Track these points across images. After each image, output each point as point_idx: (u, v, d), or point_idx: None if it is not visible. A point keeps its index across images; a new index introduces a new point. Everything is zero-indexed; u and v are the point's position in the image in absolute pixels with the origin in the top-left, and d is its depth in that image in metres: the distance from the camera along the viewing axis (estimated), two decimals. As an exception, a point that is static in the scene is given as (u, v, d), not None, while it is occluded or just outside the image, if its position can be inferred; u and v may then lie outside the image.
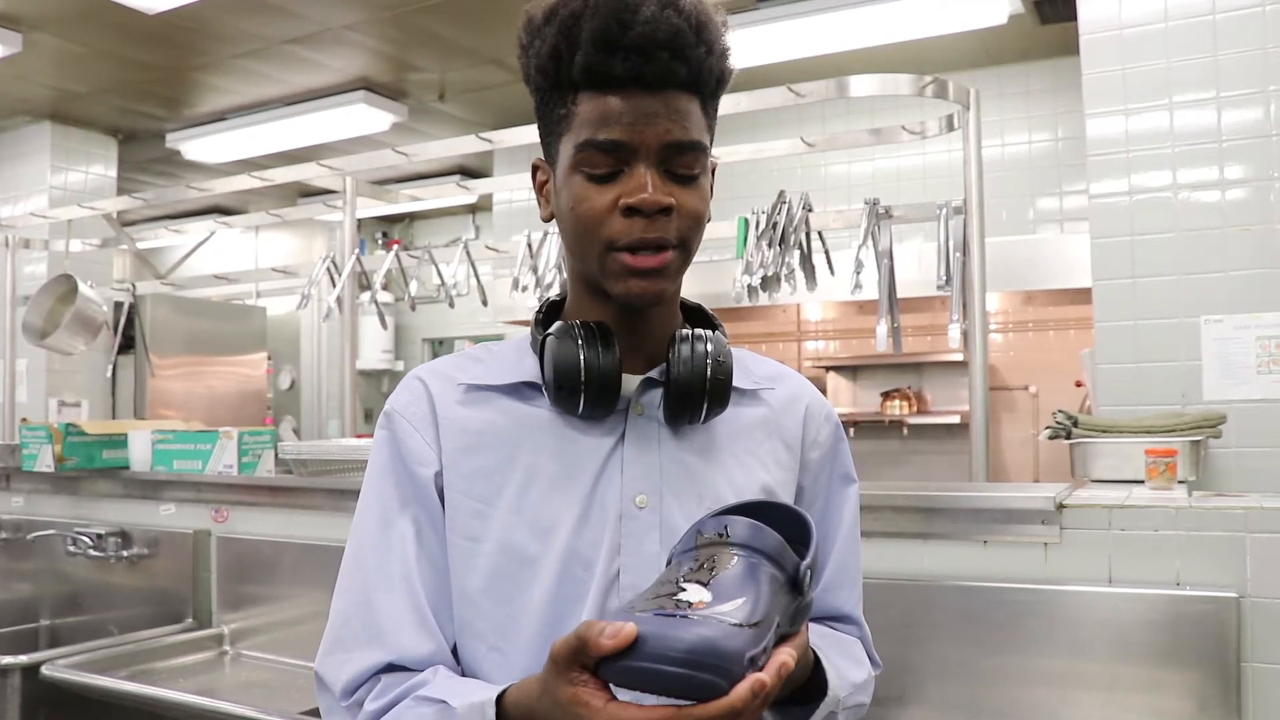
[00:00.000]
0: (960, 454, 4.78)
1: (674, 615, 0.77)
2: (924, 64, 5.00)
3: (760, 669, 0.78)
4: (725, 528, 0.88)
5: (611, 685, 0.79)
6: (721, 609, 0.79)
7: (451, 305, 3.88)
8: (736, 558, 0.85)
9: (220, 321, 6.22)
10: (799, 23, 4.32)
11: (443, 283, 3.89)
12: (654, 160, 1.00)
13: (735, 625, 0.78)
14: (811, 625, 1.15)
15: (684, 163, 1.01)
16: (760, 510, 0.94)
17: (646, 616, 0.77)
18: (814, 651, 1.01)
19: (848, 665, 1.11)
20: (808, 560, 0.89)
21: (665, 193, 0.99)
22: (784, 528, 0.91)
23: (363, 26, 4.81)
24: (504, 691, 0.91)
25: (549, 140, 1.07)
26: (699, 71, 1.01)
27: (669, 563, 0.91)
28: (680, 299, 1.15)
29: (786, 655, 0.82)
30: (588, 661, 0.78)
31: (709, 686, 0.75)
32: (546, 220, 1.11)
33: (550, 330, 1.06)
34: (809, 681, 1.01)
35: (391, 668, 1.02)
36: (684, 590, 0.81)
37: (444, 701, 0.93)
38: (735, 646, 0.76)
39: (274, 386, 7.28)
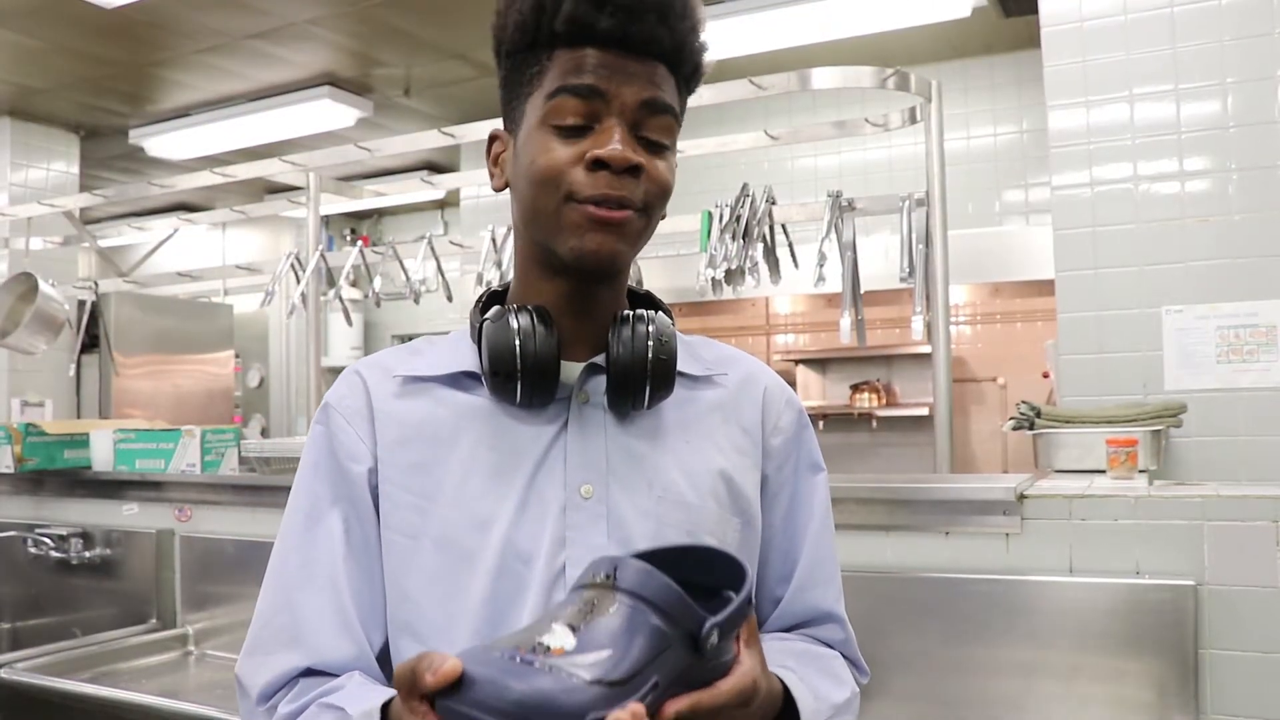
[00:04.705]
0: (929, 446, 4.81)
1: (521, 661, 0.70)
2: (889, 57, 5.01)
3: None
4: (615, 569, 0.77)
5: None
6: (578, 660, 0.70)
7: (416, 301, 3.86)
8: (618, 604, 0.75)
9: (186, 319, 6.14)
10: (763, 15, 4.31)
11: (408, 279, 3.87)
12: (627, 118, 0.97)
13: (586, 681, 0.69)
14: (791, 642, 1.11)
15: (655, 128, 0.98)
16: (690, 555, 0.85)
17: (493, 657, 0.70)
18: (781, 679, 0.95)
19: (829, 686, 1.04)
20: (720, 617, 0.78)
21: (634, 151, 0.96)
22: (719, 576, 0.83)
23: (327, 21, 4.76)
24: (389, 700, 0.86)
25: (514, 104, 1.03)
26: (680, 46, 0.99)
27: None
28: (628, 287, 1.11)
29: (675, 709, 0.75)
30: (423, 691, 0.71)
31: None
32: (499, 190, 1.07)
33: (487, 315, 1.02)
34: (781, 713, 0.95)
35: (310, 672, 0.97)
36: (551, 632, 0.73)
37: (342, 709, 0.89)
38: (574, 704, 0.68)
39: (243, 384, 7.22)
